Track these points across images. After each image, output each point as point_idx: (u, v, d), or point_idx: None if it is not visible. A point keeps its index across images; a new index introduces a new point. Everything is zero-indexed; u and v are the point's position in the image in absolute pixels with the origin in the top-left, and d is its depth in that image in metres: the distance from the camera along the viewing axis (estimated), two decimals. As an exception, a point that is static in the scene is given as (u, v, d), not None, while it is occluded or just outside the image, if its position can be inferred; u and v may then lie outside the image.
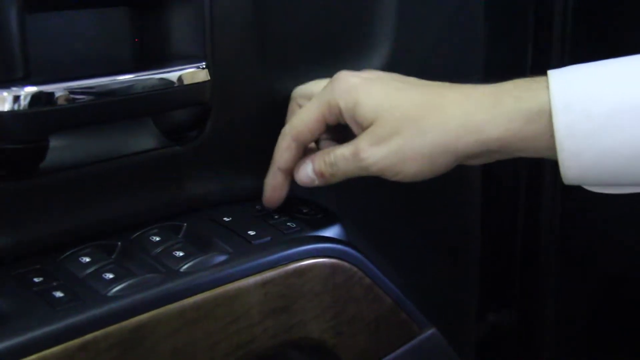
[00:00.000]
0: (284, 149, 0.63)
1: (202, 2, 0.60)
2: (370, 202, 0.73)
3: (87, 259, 0.55)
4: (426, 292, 0.72)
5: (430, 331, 0.69)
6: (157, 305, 0.52)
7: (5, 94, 0.50)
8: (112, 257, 0.56)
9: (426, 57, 0.76)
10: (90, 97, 0.54)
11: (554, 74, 0.56)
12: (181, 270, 0.55)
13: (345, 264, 0.62)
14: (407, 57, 0.74)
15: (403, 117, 0.58)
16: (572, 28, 0.90)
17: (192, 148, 0.62)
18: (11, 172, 0.54)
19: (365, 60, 0.72)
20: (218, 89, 0.61)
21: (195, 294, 0.53)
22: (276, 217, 0.64)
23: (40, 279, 0.52)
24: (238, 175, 0.66)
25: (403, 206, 0.76)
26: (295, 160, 0.63)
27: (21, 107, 0.50)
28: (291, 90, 0.67)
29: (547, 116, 0.55)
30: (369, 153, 0.59)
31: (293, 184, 0.65)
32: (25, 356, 0.46)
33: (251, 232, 0.61)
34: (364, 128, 0.60)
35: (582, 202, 0.91)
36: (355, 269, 0.62)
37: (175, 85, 0.58)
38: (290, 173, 0.64)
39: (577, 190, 0.59)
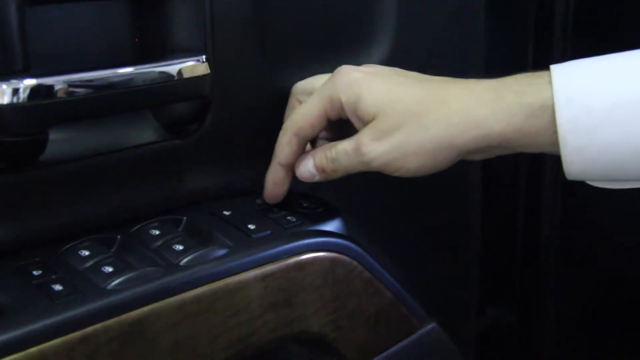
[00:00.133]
0: (285, 144, 0.62)
1: (202, -5, 0.59)
2: (370, 197, 0.73)
3: (87, 252, 0.55)
4: (426, 287, 0.72)
5: (431, 325, 0.69)
6: (156, 299, 0.51)
7: (4, 86, 0.50)
8: (112, 250, 0.56)
9: (426, 55, 0.76)
10: (90, 90, 0.54)
11: (556, 69, 0.56)
12: (181, 263, 0.55)
13: (346, 258, 0.62)
14: (406, 54, 0.73)
15: (405, 112, 0.58)
16: (573, 27, 0.90)
17: (192, 141, 0.62)
18: (10, 165, 0.54)
19: (365, 56, 0.72)
20: (218, 82, 0.61)
21: (195, 287, 0.53)
22: (276, 211, 0.64)
23: (40, 272, 0.52)
24: (238, 169, 0.66)
25: (403, 201, 0.76)
26: (296, 156, 0.63)
27: (20, 100, 0.50)
28: (291, 85, 0.67)
29: (550, 111, 0.54)
30: (370, 148, 0.59)
31: (294, 178, 0.65)
32: (25, 349, 0.46)
33: (251, 226, 0.60)
34: (365, 123, 0.60)
35: (583, 199, 0.91)
36: (355, 263, 0.62)
37: (175, 78, 0.58)
38: (291, 168, 0.63)
39: (578, 188, 0.59)
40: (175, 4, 0.61)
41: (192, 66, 0.59)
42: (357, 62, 0.67)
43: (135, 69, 0.56)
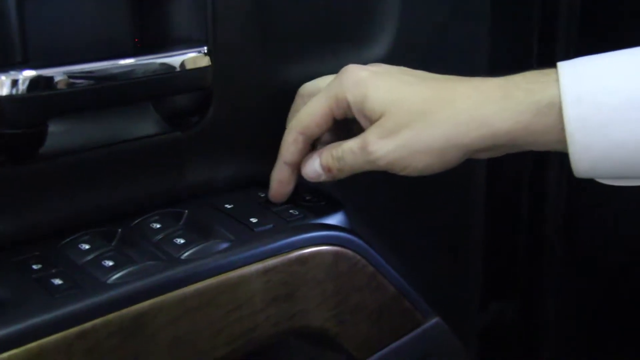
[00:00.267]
0: (290, 143, 0.62)
1: (204, -14, 0.59)
2: (374, 191, 0.72)
3: (87, 246, 0.54)
4: (430, 282, 0.72)
5: (434, 320, 0.69)
6: (157, 293, 0.51)
7: (3, 78, 0.49)
8: (112, 244, 0.56)
9: (429, 52, 0.76)
10: (90, 82, 0.53)
11: (563, 66, 0.55)
12: (182, 257, 0.55)
13: (349, 251, 0.61)
14: (409, 48, 0.73)
15: (412, 111, 0.58)
16: (577, 23, 0.90)
17: (193, 134, 0.62)
18: (10, 157, 0.54)
19: (367, 49, 0.71)
20: (220, 74, 0.61)
21: (197, 281, 0.53)
22: (279, 204, 0.64)
23: (39, 266, 0.52)
24: (240, 162, 0.66)
25: (407, 196, 0.76)
26: (302, 155, 0.63)
27: (19, 92, 0.50)
28: (293, 77, 0.66)
29: (557, 109, 0.54)
30: (377, 146, 0.59)
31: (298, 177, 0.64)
32: (23, 344, 0.46)
33: (253, 220, 0.60)
34: (372, 122, 0.59)
35: (586, 196, 0.91)
36: (358, 257, 0.62)
37: (177, 70, 0.58)
38: (297, 167, 0.63)
39: (582, 184, 0.58)
40: (177, -5, 0.60)
41: (194, 58, 0.59)
42: (360, 56, 0.70)
43: (136, 61, 0.56)
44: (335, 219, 0.64)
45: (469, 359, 0.77)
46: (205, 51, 0.59)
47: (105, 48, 0.58)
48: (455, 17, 0.77)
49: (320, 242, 0.60)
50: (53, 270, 0.52)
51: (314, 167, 0.62)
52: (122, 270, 0.52)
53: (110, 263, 0.53)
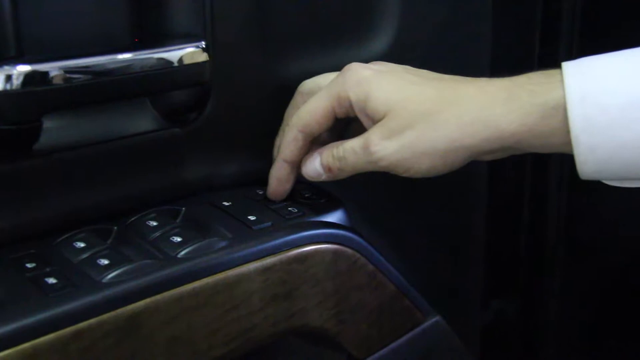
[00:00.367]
0: (290, 141, 0.62)
1: (202, -20, 0.59)
2: (374, 188, 0.72)
3: (82, 244, 0.54)
4: (431, 281, 0.72)
5: (435, 319, 0.69)
6: (153, 292, 0.51)
7: (-3, 72, 0.49)
8: (108, 242, 0.55)
9: (429, 49, 0.76)
10: (86, 77, 0.53)
11: (568, 67, 0.55)
12: (179, 256, 0.54)
13: (348, 250, 0.61)
14: (410, 46, 0.73)
15: (417, 111, 0.57)
16: (580, 21, 0.90)
17: (191, 130, 0.61)
18: (3, 153, 0.53)
19: (367, 47, 0.71)
20: (218, 69, 0.60)
21: (194, 280, 0.53)
22: (277, 201, 0.63)
23: (33, 264, 0.51)
24: (238, 159, 0.65)
25: (408, 194, 0.76)
26: (301, 153, 0.62)
27: (13, 87, 0.50)
28: (292, 73, 0.66)
29: (563, 110, 0.54)
30: (380, 147, 0.58)
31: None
32: (16, 345, 0.45)
33: (251, 217, 0.60)
34: (375, 121, 0.59)
35: (588, 194, 0.92)
36: (358, 255, 0.62)
37: (174, 65, 0.57)
38: (296, 165, 0.63)
39: (584, 183, 0.58)
40: (175, -11, 0.60)
41: (192, 52, 0.58)
42: (360, 53, 0.70)
43: (133, 56, 0.55)
44: (334, 217, 0.63)
45: (469, 358, 0.76)
46: (204, 46, 0.59)
47: (102, 42, 0.58)
48: (457, 15, 0.77)
49: (320, 240, 0.59)
50: (47, 269, 0.51)
51: (314, 167, 0.62)
52: (118, 269, 0.51)
53: (106, 262, 0.52)
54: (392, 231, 0.75)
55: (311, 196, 0.65)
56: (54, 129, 0.56)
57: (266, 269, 0.56)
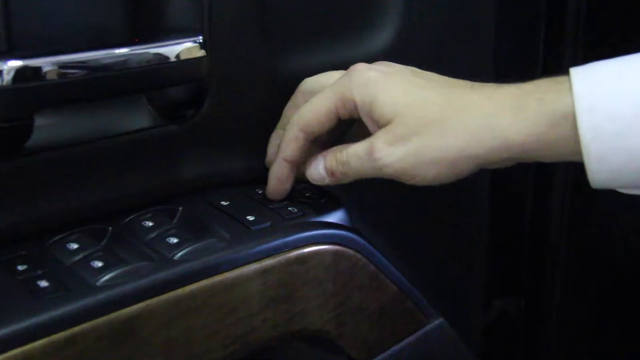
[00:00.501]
0: (290, 139, 0.61)
1: (199, -27, 0.58)
2: (376, 187, 0.72)
3: (75, 246, 0.53)
4: (433, 281, 0.72)
5: (438, 321, 0.68)
6: (149, 296, 0.50)
7: (-14, 68, 0.49)
8: (102, 243, 0.55)
9: (432, 44, 0.75)
10: (79, 73, 0.52)
11: (576, 74, 0.54)
12: (175, 257, 0.54)
13: (349, 250, 0.60)
14: (412, 42, 0.73)
15: (424, 117, 0.57)
16: (585, 21, 0.90)
17: (188, 127, 0.61)
18: (-6, 151, 0.53)
19: (369, 41, 0.71)
20: (216, 65, 0.60)
21: (190, 283, 0.52)
22: (277, 201, 0.63)
23: (25, 266, 0.51)
24: (237, 157, 0.65)
25: (410, 193, 0.75)
26: (302, 152, 0.62)
27: (4, 83, 0.49)
28: (292, 69, 0.66)
29: (572, 119, 0.53)
30: (385, 153, 0.57)
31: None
32: (7, 351, 0.45)
33: (250, 217, 0.59)
34: (380, 126, 0.58)
35: (591, 195, 0.91)
36: (359, 255, 0.61)
37: (171, 60, 0.57)
38: (296, 165, 0.62)
39: (586, 183, 0.57)
40: (171, -18, 0.60)
41: (189, 48, 0.58)
42: (361, 49, 0.69)
43: (128, 51, 0.55)
44: (335, 217, 0.63)
45: (472, 360, 0.76)
46: (201, 41, 0.58)
47: (96, 37, 0.57)
48: (459, 12, 0.77)
49: (320, 241, 0.59)
50: (39, 272, 0.50)
51: (318, 170, 0.62)
52: (112, 271, 0.51)
53: (100, 264, 0.51)
54: (393, 231, 0.74)
55: (311, 195, 0.64)
56: (47, 127, 0.55)
57: (265, 271, 0.55)
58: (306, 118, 0.60)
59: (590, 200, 0.94)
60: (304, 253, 0.58)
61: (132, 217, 0.58)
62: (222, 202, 0.61)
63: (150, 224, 0.57)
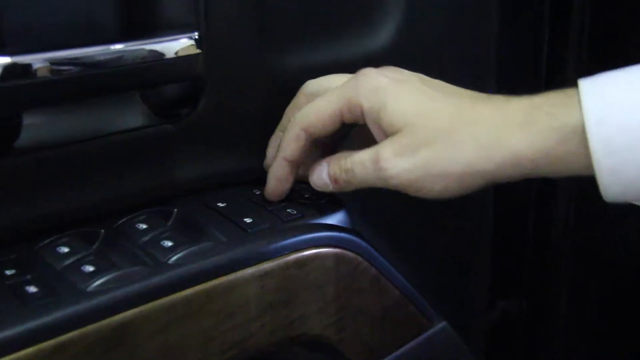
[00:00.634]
0: (291, 138, 0.60)
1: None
2: (377, 189, 0.71)
3: (66, 249, 0.53)
4: (436, 284, 0.71)
5: (441, 325, 0.68)
6: (142, 301, 0.50)
7: (-26, 65, 0.49)
8: (94, 247, 0.54)
9: (433, 44, 0.75)
10: (71, 69, 0.51)
11: (585, 85, 0.53)
12: (170, 261, 0.53)
13: (350, 253, 0.60)
14: (412, 41, 0.72)
15: (434, 129, 0.56)
16: (590, 20, 0.90)
17: (183, 126, 0.60)
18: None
19: (369, 40, 0.70)
20: (212, 62, 0.59)
21: (185, 288, 0.51)
22: (275, 202, 0.62)
23: (13, 271, 0.50)
24: (234, 157, 0.64)
25: (412, 196, 0.74)
26: (302, 152, 0.61)
27: (-7, 80, 0.48)
28: (290, 67, 0.65)
29: (581, 133, 0.53)
30: (391, 163, 0.57)
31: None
32: None
33: (247, 220, 0.58)
34: (387, 135, 0.58)
35: (594, 196, 0.92)
36: (360, 258, 0.61)
37: (166, 57, 0.56)
38: (296, 165, 0.62)
39: (590, 184, 0.57)
40: (166, -24, 0.59)
41: (184, 44, 0.57)
42: (361, 47, 0.69)
43: (122, 47, 0.54)
44: (335, 219, 0.62)
45: (475, 363, 0.76)
46: (197, 38, 0.57)
47: (89, 33, 0.56)
48: (461, 11, 0.76)
49: (320, 244, 0.58)
50: (28, 276, 0.50)
51: (321, 176, 0.61)
52: (104, 276, 0.50)
53: (91, 268, 0.51)
54: (395, 233, 0.74)
55: (311, 197, 0.64)
56: (37, 125, 0.55)
57: (263, 275, 0.55)
58: (309, 118, 0.59)
59: (592, 203, 0.94)
60: (303, 256, 0.57)
61: (125, 219, 0.57)
62: (219, 204, 0.60)
63: (144, 226, 0.57)
